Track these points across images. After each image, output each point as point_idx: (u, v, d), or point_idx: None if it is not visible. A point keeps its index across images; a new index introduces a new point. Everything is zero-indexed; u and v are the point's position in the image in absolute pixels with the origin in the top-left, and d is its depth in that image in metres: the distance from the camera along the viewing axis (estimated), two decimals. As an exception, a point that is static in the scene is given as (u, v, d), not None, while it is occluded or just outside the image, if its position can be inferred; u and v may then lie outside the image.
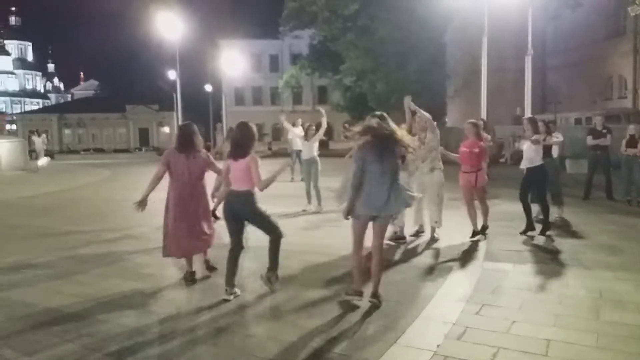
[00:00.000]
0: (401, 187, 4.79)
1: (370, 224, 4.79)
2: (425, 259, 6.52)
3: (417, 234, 7.71)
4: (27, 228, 9.20)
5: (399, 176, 4.78)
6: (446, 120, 42.20)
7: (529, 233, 7.62)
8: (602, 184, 11.16)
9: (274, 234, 5.20)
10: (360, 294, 4.79)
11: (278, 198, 10.75)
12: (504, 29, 20.76)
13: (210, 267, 5.96)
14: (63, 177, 19.86)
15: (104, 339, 4.17)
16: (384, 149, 4.60)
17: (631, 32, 29.40)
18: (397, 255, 6.70)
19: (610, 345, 3.87)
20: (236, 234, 5.12)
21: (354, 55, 28.49)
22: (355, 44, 28.22)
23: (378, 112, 4.86)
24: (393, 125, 4.71)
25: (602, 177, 11.16)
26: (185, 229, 5.43)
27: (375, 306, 4.69)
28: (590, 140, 11.18)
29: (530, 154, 7.59)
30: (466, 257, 6.52)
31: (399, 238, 7.31)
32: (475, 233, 7.44)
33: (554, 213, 8.53)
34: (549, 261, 6.29)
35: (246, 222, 5.14)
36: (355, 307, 4.75)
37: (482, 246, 7.03)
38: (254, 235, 5.36)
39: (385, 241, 5.39)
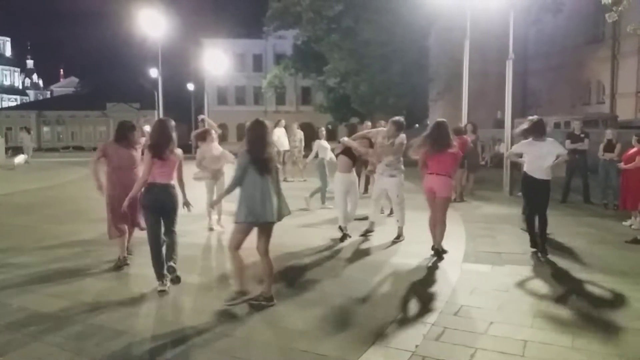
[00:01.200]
0: (282, 197, 5.04)
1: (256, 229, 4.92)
2: (404, 259, 6.55)
3: (366, 233, 7.86)
4: (3, 226, 9.04)
5: (279, 186, 5.01)
6: (428, 122, 42.51)
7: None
8: (579, 188, 11.34)
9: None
10: (245, 293, 4.90)
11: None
12: (487, 33, 20.94)
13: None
14: (41, 174, 19.54)
15: (79, 338, 4.12)
16: (267, 163, 4.81)
17: (610, 39, 29.93)
18: (377, 256, 6.73)
19: (586, 346, 3.93)
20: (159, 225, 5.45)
21: (338, 57, 28.49)
22: (339, 45, 28.23)
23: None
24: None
25: (580, 181, 11.33)
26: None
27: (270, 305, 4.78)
28: (568, 144, 11.33)
29: (547, 163, 6.59)
30: (445, 258, 6.57)
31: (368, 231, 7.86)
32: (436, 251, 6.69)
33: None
34: (526, 263, 6.37)
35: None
36: (334, 308, 4.76)
37: (461, 247, 7.09)
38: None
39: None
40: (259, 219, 4.80)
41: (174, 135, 5.53)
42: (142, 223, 5.95)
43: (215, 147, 8.43)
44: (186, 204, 5.63)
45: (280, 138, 16.10)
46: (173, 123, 5.62)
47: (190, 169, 6.55)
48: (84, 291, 5.33)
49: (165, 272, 5.37)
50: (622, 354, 3.80)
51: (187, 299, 5.11)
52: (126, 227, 6.25)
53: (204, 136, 8.54)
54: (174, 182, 5.49)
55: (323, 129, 12.30)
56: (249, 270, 5.11)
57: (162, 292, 5.20)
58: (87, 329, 4.31)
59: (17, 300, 5.03)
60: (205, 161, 8.29)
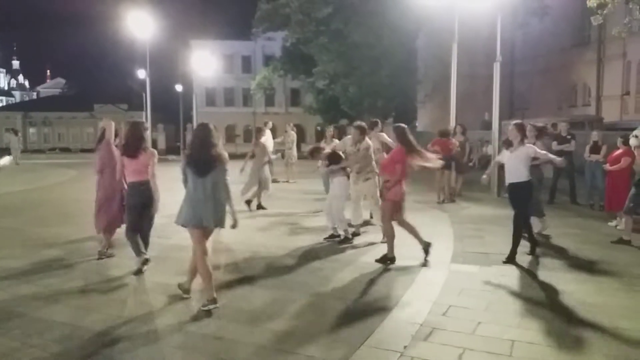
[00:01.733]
0: (222, 203, 4.90)
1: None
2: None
3: (354, 236, 7.78)
4: (-13, 228, 8.92)
5: (222, 191, 4.88)
6: (417, 124, 42.69)
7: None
8: (566, 189, 11.45)
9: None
10: (215, 301, 4.79)
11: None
12: (475, 35, 21.14)
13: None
14: (27, 176, 19.33)
15: (62, 340, 4.07)
16: (203, 165, 4.80)
17: (595, 42, 30.25)
18: (365, 257, 6.74)
19: (572, 346, 3.96)
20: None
21: (327, 59, 28.53)
22: (328, 48, 28.28)
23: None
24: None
25: (567, 182, 11.44)
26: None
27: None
28: (555, 146, 11.45)
29: (517, 166, 6.48)
30: (433, 259, 6.59)
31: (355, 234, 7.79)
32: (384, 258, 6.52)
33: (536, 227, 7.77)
34: (514, 264, 6.40)
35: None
36: (323, 309, 4.76)
37: (449, 248, 7.12)
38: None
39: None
40: (197, 221, 4.79)
41: (146, 135, 6.15)
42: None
43: None
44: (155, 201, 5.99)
45: (267, 140, 16.13)
46: (146, 125, 6.23)
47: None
48: (68, 293, 5.28)
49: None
50: (607, 354, 3.83)
51: (174, 301, 5.08)
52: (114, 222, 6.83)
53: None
54: (146, 178, 5.95)
55: (331, 129, 11.40)
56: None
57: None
58: (73, 332, 4.26)
59: (5, 305, 4.96)
60: None
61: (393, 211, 6.48)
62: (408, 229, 6.60)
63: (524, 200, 6.54)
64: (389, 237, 6.50)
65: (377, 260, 6.40)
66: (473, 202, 11.51)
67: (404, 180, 6.49)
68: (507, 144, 7.10)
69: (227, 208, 4.93)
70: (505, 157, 6.80)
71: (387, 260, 6.41)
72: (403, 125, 6.78)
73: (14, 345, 4.01)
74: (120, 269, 6.18)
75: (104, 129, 6.93)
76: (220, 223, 4.91)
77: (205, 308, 4.70)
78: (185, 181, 4.88)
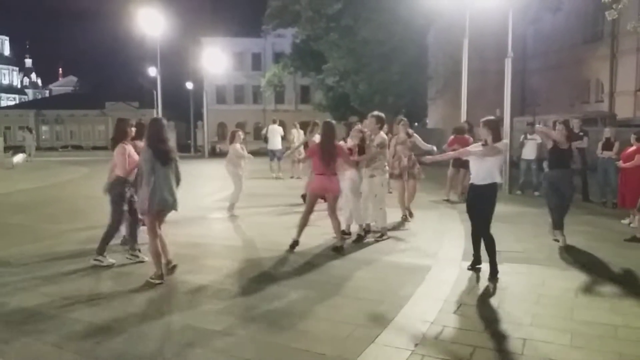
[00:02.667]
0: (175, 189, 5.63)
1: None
2: (403, 258, 6.55)
3: (382, 237, 7.62)
4: (1, 226, 9.01)
5: (177, 177, 5.66)
6: (427, 121, 42.51)
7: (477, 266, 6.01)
8: (578, 186, 11.34)
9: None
10: (161, 277, 5.49)
11: (260, 197, 10.73)
12: (485, 31, 20.94)
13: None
14: (40, 174, 19.52)
15: (77, 338, 4.11)
16: (167, 156, 5.49)
17: (609, 37, 29.90)
18: (375, 254, 6.72)
19: (585, 344, 3.93)
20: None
21: (337, 55, 28.46)
22: (338, 44, 28.20)
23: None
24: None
25: (579, 179, 11.33)
26: None
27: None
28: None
29: (485, 166, 5.72)
30: (444, 256, 6.56)
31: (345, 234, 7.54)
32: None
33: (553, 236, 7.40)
34: (525, 261, 6.37)
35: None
36: (334, 307, 4.76)
37: (460, 246, 7.08)
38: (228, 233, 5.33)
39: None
40: (165, 206, 5.50)
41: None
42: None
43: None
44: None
45: (274, 136, 16.57)
46: (132, 122, 6.56)
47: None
48: (82, 290, 5.33)
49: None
50: (621, 352, 3.80)
51: (185, 297, 5.11)
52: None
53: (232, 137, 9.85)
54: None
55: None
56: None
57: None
58: (86, 328, 4.30)
59: (14, 300, 5.02)
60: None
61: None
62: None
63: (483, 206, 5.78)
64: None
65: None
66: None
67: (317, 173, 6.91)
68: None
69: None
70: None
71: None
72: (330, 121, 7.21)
73: (24, 341, 4.05)
74: (129, 266, 6.22)
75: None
76: (177, 206, 5.62)
77: (150, 280, 5.44)
78: (150, 171, 5.35)
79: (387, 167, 7.75)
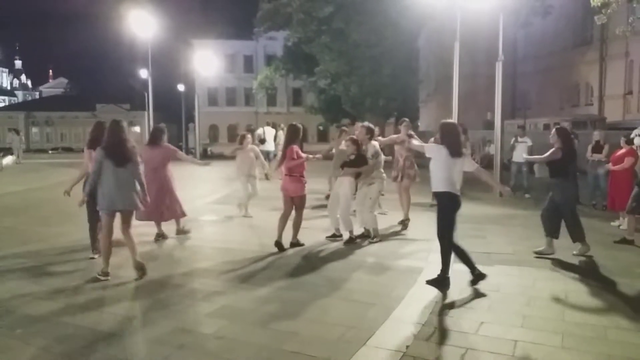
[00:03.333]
0: (136, 188, 5.82)
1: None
2: (396, 260, 6.56)
3: (333, 236, 7.71)
4: (-10, 228, 8.93)
5: (136, 178, 5.82)
6: (419, 124, 42.66)
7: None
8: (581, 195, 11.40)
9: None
10: (107, 274, 5.69)
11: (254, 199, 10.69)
12: (476, 35, 21.04)
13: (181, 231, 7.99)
14: (30, 176, 19.38)
15: (66, 341, 4.07)
16: (122, 157, 5.66)
17: (598, 41, 30.20)
18: (367, 257, 6.74)
19: (575, 346, 3.95)
20: None
21: (329, 58, 28.48)
22: (329, 47, 28.23)
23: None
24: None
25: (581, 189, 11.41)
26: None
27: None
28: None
29: (445, 174, 5.51)
30: (436, 258, 6.57)
31: (335, 236, 7.68)
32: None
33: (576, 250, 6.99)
34: (516, 263, 6.40)
35: None
36: (326, 309, 4.75)
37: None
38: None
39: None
40: (114, 207, 5.67)
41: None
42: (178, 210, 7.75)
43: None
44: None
45: (269, 138, 17.05)
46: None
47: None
48: (72, 293, 5.29)
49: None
50: (610, 354, 3.82)
51: (176, 300, 5.08)
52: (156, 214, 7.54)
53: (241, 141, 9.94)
54: None
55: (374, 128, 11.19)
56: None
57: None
58: (76, 332, 4.27)
59: (3, 303, 4.97)
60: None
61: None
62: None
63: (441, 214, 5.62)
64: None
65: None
66: (474, 201, 11.48)
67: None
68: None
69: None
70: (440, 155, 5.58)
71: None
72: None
73: (13, 344, 4.02)
74: (116, 268, 6.19)
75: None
76: (134, 206, 5.81)
77: (97, 276, 5.64)
78: (97, 171, 5.59)
79: (384, 175, 7.80)
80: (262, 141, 17.51)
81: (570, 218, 6.83)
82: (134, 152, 5.81)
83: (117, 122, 5.88)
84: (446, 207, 5.54)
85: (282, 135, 16.47)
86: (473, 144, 19.72)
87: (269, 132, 17.77)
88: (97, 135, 6.43)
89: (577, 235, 6.81)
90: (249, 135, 10.19)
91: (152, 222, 7.69)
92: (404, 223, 8.73)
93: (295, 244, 7.18)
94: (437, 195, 5.61)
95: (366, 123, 8.04)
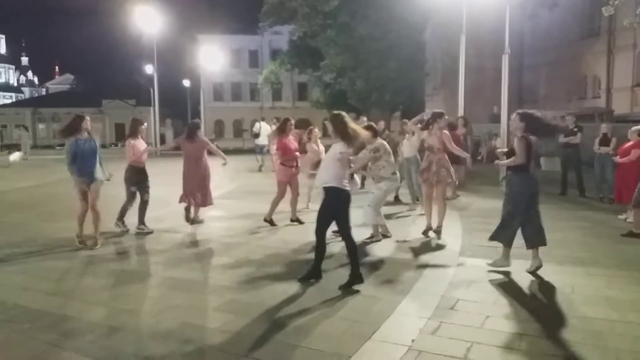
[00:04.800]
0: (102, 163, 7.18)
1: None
2: (401, 254, 6.57)
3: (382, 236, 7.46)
4: (-2, 224, 8.99)
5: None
6: (424, 118, 42.44)
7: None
8: (575, 181, 11.37)
9: None
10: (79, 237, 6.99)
11: (257, 194, 10.72)
12: (482, 28, 20.93)
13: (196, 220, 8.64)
14: (37, 172, 19.46)
15: (74, 335, 4.10)
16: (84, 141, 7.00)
17: (605, 33, 29.91)
18: (373, 251, 6.73)
19: (581, 340, 3.93)
20: None
21: (334, 52, 28.44)
22: (335, 41, 28.18)
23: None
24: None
25: (574, 174, 11.36)
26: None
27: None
28: (561, 139, 11.41)
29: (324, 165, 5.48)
30: (442, 252, 6.57)
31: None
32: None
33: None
34: (523, 257, 6.35)
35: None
36: (332, 303, 4.76)
37: (458, 242, 7.10)
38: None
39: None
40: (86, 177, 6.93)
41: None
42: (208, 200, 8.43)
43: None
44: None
45: (263, 133, 17.98)
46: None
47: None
48: (78, 288, 5.33)
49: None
50: (617, 347, 3.81)
51: (181, 295, 5.10)
52: (192, 200, 8.33)
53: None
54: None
55: (382, 123, 10.97)
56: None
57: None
58: (82, 326, 4.30)
59: (11, 298, 5.01)
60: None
61: None
62: None
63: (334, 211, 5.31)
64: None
65: None
66: (480, 194, 11.46)
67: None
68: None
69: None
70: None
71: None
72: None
73: (21, 338, 4.05)
74: (123, 262, 6.22)
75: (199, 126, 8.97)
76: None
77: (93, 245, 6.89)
78: (72, 160, 6.88)
79: (396, 174, 7.50)
80: (256, 136, 18.62)
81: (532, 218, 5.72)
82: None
83: (80, 116, 7.17)
84: (332, 203, 5.27)
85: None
86: (479, 138, 19.65)
87: (263, 127, 18.41)
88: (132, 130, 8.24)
89: (537, 239, 5.72)
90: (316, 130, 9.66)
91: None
92: (436, 230, 7.48)
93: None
94: (324, 190, 5.31)
95: (365, 121, 7.98)
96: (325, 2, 26.24)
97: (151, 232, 7.85)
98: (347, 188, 5.28)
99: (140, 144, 8.13)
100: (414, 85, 30.70)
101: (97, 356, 3.77)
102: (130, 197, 8.00)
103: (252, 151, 19.79)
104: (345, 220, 5.26)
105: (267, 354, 3.78)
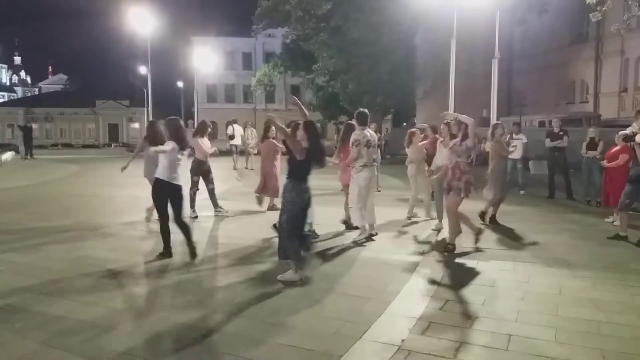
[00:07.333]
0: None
1: None
2: (391, 254, 6.63)
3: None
4: (-11, 224, 8.96)
5: None
6: (415, 120, 42.68)
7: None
8: (563, 185, 11.51)
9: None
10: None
11: (249, 195, 10.76)
12: (473, 32, 21.11)
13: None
14: (30, 172, 19.35)
15: (66, 335, 4.13)
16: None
17: (593, 39, 30.25)
18: (363, 251, 6.81)
19: (568, 340, 4.00)
20: None
21: (327, 55, 28.53)
22: (327, 44, 28.27)
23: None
24: None
25: (562, 178, 11.51)
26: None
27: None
28: (548, 142, 11.58)
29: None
30: (432, 253, 6.65)
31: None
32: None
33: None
34: (511, 258, 6.46)
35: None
36: (322, 303, 4.82)
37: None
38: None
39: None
40: None
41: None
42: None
43: None
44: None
45: (237, 134, 19.81)
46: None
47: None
48: (69, 288, 5.34)
49: None
50: (603, 348, 3.87)
51: (172, 294, 5.14)
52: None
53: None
54: None
55: (373, 125, 10.69)
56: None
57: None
58: (73, 325, 4.32)
59: (2, 298, 5.01)
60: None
61: None
62: None
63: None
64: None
65: None
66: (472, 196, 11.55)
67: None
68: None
69: None
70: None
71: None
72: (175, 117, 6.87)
73: (12, 338, 4.08)
74: (118, 262, 6.24)
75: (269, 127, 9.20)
76: None
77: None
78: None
79: (375, 163, 7.75)
80: (231, 137, 20.13)
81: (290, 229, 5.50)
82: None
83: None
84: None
85: (251, 132, 19.66)
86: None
87: (237, 129, 20.09)
88: (199, 129, 9.53)
89: (289, 252, 5.49)
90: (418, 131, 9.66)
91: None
92: (447, 247, 6.81)
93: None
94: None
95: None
96: (318, 5, 26.33)
97: (227, 212, 9.47)
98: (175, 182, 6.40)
99: (206, 142, 9.32)
100: (405, 88, 30.84)
101: (88, 355, 3.78)
102: (193, 185, 9.17)
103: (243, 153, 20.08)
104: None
105: (258, 354, 3.81)
